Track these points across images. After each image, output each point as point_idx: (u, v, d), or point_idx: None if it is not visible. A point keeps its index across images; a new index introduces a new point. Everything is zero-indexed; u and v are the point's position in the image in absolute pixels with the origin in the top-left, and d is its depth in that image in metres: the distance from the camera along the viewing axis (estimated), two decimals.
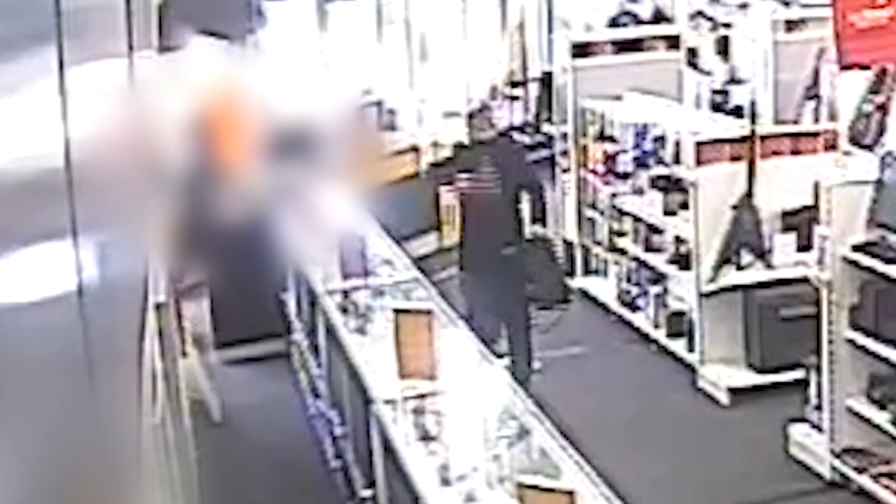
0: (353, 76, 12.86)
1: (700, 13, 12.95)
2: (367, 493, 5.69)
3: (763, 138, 8.24)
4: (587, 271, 10.75)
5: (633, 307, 9.59)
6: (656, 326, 9.17)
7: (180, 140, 9.28)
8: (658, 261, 9.16)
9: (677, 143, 8.79)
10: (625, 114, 9.90)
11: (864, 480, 6.63)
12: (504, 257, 7.63)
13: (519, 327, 7.98)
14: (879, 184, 6.62)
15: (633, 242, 9.58)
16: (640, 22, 13.04)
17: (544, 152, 14.06)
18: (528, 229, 7.79)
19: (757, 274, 8.19)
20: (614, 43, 10.87)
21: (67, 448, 1.53)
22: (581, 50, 10.69)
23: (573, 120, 10.59)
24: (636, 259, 9.58)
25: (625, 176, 9.70)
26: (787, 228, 8.15)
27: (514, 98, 16.07)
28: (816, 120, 9.94)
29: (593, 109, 10.39)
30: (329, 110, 12.20)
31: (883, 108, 8.12)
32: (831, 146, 8.26)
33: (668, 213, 8.94)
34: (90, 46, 2.39)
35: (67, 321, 1.66)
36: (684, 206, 8.67)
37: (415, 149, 12.18)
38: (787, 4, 11.80)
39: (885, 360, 6.54)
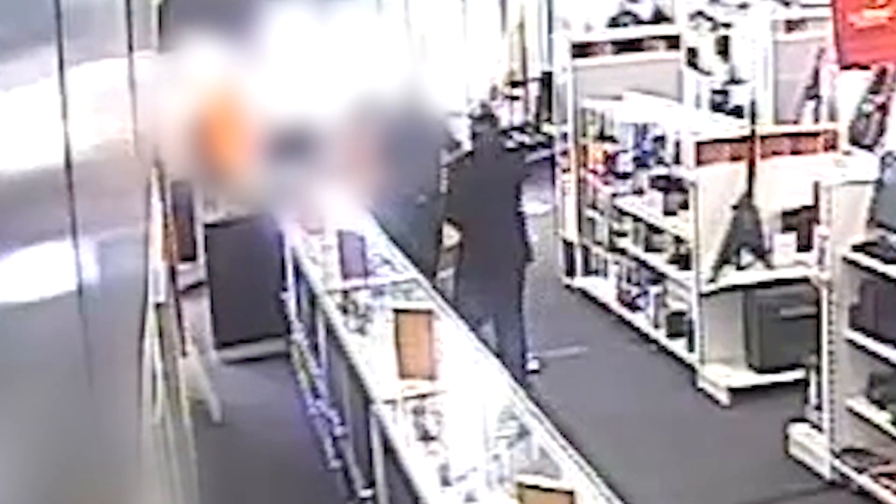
0: (353, 76, 12.86)
1: (700, 13, 12.95)
2: (367, 493, 5.69)
3: (763, 138, 8.24)
4: (587, 271, 10.75)
5: (633, 307, 9.59)
6: (656, 326, 9.17)
7: (180, 140, 9.29)
8: (658, 261, 9.16)
9: (677, 143, 8.79)
10: (625, 114, 9.90)
11: (864, 480, 6.63)
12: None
13: (513, 327, 8.26)
14: (879, 184, 6.61)
15: (633, 242, 9.58)
16: (640, 22, 13.04)
17: (544, 152, 14.08)
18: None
19: (757, 274, 8.18)
20: (614, 43, 10.87)
21: (67, 448, 1.53)
22: (581, 50, 10.69)
23: (573, 120, 10.60)
24: (636, 259, 9.58)
25: (625, 176, 9.70)
26: (787, 228, 8.15)
27: (514, 98, 16.08)
28: (816, 120, 9.94)
29: (593, 109, 10.39)
30: (329, 110, 12.20)
31: (883, 108, 8.12)
32: (831, 146, 8.26)
33: (668, 213, 8.94)
34: (90, 46, 2.39)
35: (67, 321, 1.66)
36: (684, 206, 8.67)
37: None
38: (787, 4, 11.81)
39: (885, 360, 6.54)
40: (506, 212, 8.14)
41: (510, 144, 10.18)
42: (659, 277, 9.25)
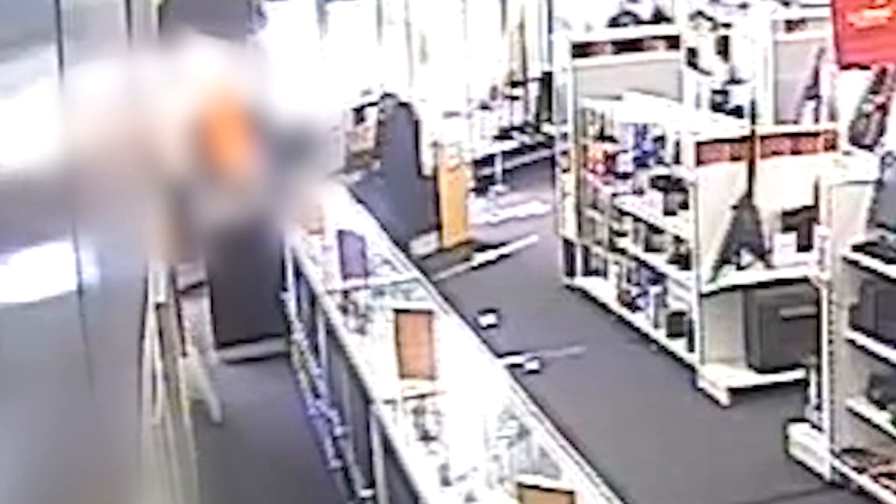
0: (353, 76, 12.86)
1: (700, 13, 12.95)
2: (367, 493, 5.69)
3: (763, 138, 8.24)
4: (587, 271, 10.75)
5: (633, 307, 9.59)
6: (656, 326, 9.17)
7: (180, 140, 9.29)
8: (658, 261, 9.16)
9: (677, 143, 8.79)
10: (625, 114, 9.90)
11: (864, 480, 6.63)
12: None
13: None
14: (879, 184, 6.62)
15: (633, 242, 9.58)
16: (640, 22, 13.04)
17: (544, 152, 14.08)
18: None
19: (757, 274, 8.18)
20: (614, 43, 10.87)
21: (68, 448, 1.53)
22: (581, 50, 10.69)
23: (573, 120, 10.59)
24: (636, 259, 9.58)
25: (625, 176, 9.70)
26: (787, 228, 8.15)
27: (514, 98, 16.07)
28: (816, 120, 9.94)
29: (593, 109, 10.38)
30: (329, 110, 12.21)
31: (883, 108, 8.12)
32: (831, 146, 8.25)
33: (668, 213, 8.94)
34: (90, 46, 2.39)
35: (67, 321, 1.66)
36: (684, 206, 8.67)
37: None
38: (787, 4, 11.81)
39: (885, 360, 6.54)
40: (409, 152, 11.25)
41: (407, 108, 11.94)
42: (659, 277, 9.24)
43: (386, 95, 11.92)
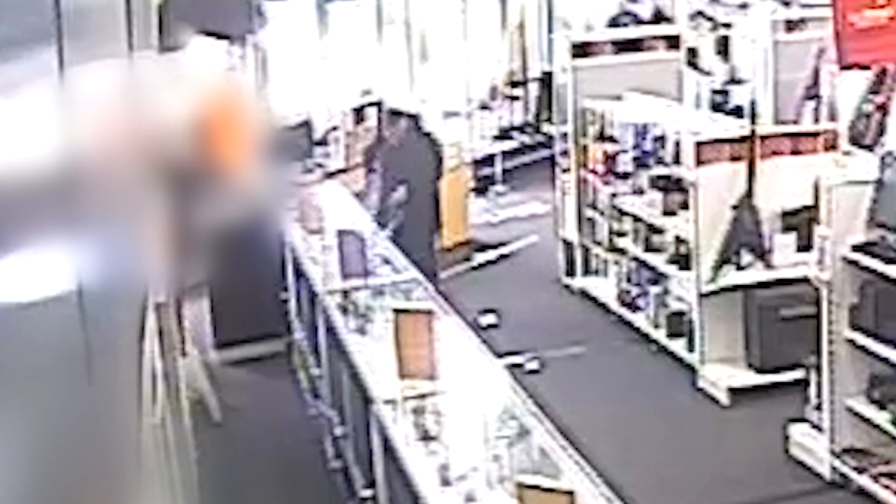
0: (353, 76, 12.87)
1: (700, 13, 12.96)
2: (367, 493, 5.69)
3: (763, 138, 8.24)
4: (587, 271, 10.75)
5: (633, 307, 9.59)
6: (656, 326, 9.17)
7: (180, 140, 9.29)
8: (658, 261, 9.16)
9: (677, 143, 8.79)
10: (625, 114, 9.90)
11: (864, 480, 6.63)
12: None
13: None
14: (879, 184, 6.61)
15: (633, 242, 9.58)
16: (640, 22, 13.04)
17: (544, 152, 14.09)
18: None
19: (757, 274, 8.18)
20: (614, 43, 10.87)
21: (67, 448, 1.53)
22: (581, 50, 10.69)
23: (573, 120, 10.59)
24: (636, 259, 9.58)
25: (625, 176, 9.70)
26: (787, 228, 8.15)
27: (514, 98, 16.08)
28: (816, 120, 9.94)
29: (593, 109, 10.38)
30: (329, 110, 12.20)
31: (883, 108, 8.12)
32: (831, 146, 8.26)
33: (668, 213, 8.94)
34: (90, 46, 2.39)
35: (67, 321, 1.66)
36: (684, 206, 8.67)
37: None
38: (787, 4, 11.81)
39: (885, 360, 6.54)
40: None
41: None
42: (659, 277, 9.25)
43: (394, 113, 10.02)
